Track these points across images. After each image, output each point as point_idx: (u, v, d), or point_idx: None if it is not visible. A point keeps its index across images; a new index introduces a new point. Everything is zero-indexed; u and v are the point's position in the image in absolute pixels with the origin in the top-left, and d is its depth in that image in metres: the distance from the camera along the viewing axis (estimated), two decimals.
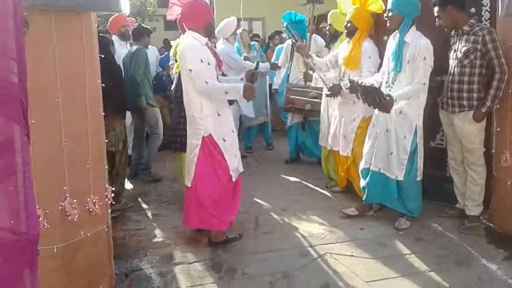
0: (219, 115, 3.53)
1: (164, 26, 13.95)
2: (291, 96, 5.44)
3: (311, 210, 4.39)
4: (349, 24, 4.38)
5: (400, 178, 3.85)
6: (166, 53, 7.49)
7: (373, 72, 4.24)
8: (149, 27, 7.81)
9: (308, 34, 5.40)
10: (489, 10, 3.94)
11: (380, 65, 4.17)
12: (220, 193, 3.59)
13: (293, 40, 4.96)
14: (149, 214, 4.41)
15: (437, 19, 3.74)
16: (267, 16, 12.52)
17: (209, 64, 3.43)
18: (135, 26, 5.88)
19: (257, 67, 3.83)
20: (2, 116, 1.55)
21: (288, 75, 5.84)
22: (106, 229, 2.94)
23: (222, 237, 3.70)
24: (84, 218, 2.71)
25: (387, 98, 3.59)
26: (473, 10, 3.91)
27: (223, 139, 3.54)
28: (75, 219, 2.63)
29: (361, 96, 3.75)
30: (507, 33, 3.60)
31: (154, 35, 10.36)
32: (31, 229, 1.71)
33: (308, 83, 5.38)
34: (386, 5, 3.93)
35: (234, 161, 3.62)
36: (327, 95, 4.49)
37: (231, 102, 4.11)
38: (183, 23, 3.62)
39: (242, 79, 3.83)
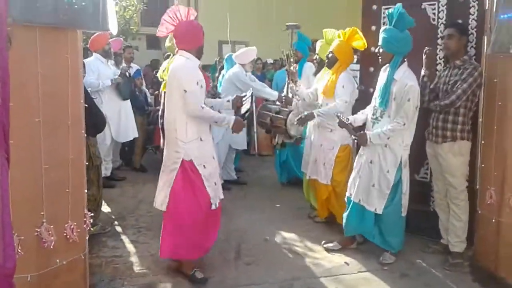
0: (201, 140, 3.46)
1: (146, 45, 13.91)
2: (261, 111, 5.37)
3: (294, 241, 4.30)
4: (330, 55, 4.48)
5: (379, 211, 3.80)
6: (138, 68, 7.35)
7: (345, 101, 4.29)
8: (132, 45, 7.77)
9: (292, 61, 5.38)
10: (474, 46, 3.98)
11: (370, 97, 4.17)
12: (198, 219, 3.46)
13: (286, 63, 4.92)
14: (127, 240, 4.23)
15: (444, 46, 3.83)
16: (250, 41, 12.59)
17: (201, 87, 3.40)
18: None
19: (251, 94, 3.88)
20: None
21: None
22: (83, 257, 2.80)
23: (190, 270, 3.51)
24: (61, 245, 2.58)
25: (361, 132, 3.70)
26: None
27: (203, 165, 3.46)
28: (52, 246, 2.49)
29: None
30: (493, 71, 3.64)
31: (137, 53, 10.27)
32: (8, 262, 1.58)
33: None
34: (378, 40, 3.92)
35: (214, 188, 3.52)
36: (298, 120, 4.48)
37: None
38: (175, 42, 3.57)
39: (228, 101, 3.90)
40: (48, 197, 2.48)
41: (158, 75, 5.40)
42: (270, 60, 11.43)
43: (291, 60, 4.79)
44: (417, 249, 4.06)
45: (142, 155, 7.01)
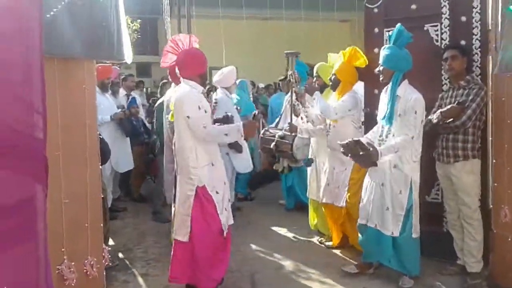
0: (213, 165, 3.46)
1: (136, 73, 14.00)
2: (265, 137, 5.31)
3: (308, 267, 4.20)
4: (333, 77, 4.51)
5: (396, 234, 3.73)
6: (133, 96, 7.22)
7: (335, 114, 4.30)
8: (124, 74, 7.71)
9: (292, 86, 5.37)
10: (479, 66, 4.01)
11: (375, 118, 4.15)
12: (214, 248, 3.44)
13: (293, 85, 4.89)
14: (137, 273, 4.09)
15: (448, 68, 3.85)
16: (241, 66, 12.64)
17: (205, 112, 3.43)
18: None
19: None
20: (28, 175, 1.35)
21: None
22: None
23: None
24: (81, 282, 2.48)
25: (370, 149, 3.58)
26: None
27: (216, 191, 3.45)
28: (73, 284, 2.38)
29: (343, 151, 3.77)
30: (500, 89, 3.67)
31: None
32: None
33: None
34: (378, 59, 3.95)
35: (224, 214, 3.50)
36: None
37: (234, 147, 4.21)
38: (178, 71, 3.56)
39: (226, 113, 4.20)
40: (68, 233, 2.39)
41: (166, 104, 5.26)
42: (261, 85, 11.46)
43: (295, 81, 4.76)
44: (434, 271, 3.99)
45: (140, 185, 6.89)
